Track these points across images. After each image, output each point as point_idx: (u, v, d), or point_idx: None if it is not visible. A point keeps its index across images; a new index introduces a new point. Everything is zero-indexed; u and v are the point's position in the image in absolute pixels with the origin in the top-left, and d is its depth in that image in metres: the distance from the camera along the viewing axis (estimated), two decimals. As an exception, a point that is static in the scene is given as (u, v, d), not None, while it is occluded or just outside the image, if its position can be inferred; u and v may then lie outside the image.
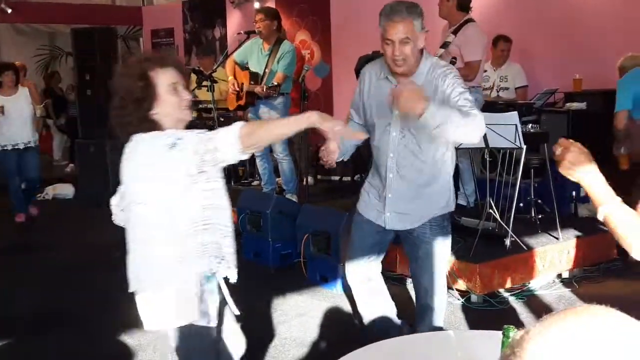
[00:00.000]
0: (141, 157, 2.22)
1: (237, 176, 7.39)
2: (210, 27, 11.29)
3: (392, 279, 4.79)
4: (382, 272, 4.83)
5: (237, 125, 2.14)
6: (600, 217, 1.83)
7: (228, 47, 10.30)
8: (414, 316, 3.39)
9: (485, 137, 4.56)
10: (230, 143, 2.11)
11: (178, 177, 2.14)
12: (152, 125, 2.23)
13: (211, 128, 6.95)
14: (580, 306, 0.86)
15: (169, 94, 2.25)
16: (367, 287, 3.35)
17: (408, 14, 2.81)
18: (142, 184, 2.22)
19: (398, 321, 3.44)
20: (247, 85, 6.11)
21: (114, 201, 2.55)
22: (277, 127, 2.30)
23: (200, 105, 7.32)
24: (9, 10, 11.47)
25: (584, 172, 1.80)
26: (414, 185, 3.07)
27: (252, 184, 7.24)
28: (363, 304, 3.40)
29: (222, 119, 6.63)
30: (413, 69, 2.93)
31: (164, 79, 2.24)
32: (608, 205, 1.80)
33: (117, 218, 2.54)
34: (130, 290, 2.29)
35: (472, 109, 2.82)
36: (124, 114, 2.23)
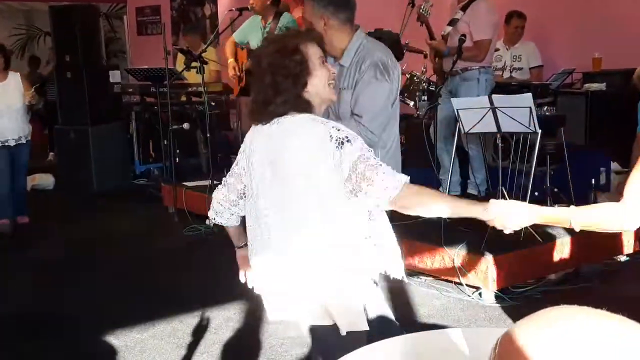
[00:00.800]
0: (305, 146, 2.21)
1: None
2: (200, 5, 11.25)
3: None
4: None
5: (405, 179, 2.14)
6: (577, 229, 2.02)
7: (219, 25, 10.28)
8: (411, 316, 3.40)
9: (497, 121, 4.58)
10: (384, 188, 2.11)
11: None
12: (307, 105, 2.25)
13: (202, 113, 6.95)
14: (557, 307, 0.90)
15: (321, 67, 2.28)
16: None
17: None
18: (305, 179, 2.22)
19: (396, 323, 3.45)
20: (247, 64, 6.09)
21: (220, 194, 2.47)
22: (446, 203, 2.24)
23: (190, 89, 7.32)
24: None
25: (525, 222, 2.15)
26: None
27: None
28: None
29: (213, 103, 6.63)
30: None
31: (314, 52, 2.28)
32: (571, 215, 2.01)
33: (225, 213, 2.48)
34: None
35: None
36: (277, 94, 2.22)
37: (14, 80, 6.40)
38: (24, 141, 6.49)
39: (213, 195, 2.50)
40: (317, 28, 2.94)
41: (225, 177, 2.48)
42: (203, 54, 6.35)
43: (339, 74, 2.85)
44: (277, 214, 2.29)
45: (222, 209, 2.48)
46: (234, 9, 6.29)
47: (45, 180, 8.49)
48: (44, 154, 10.41)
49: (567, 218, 2.02)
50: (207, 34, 10.63)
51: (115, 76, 8.61)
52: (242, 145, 2.39)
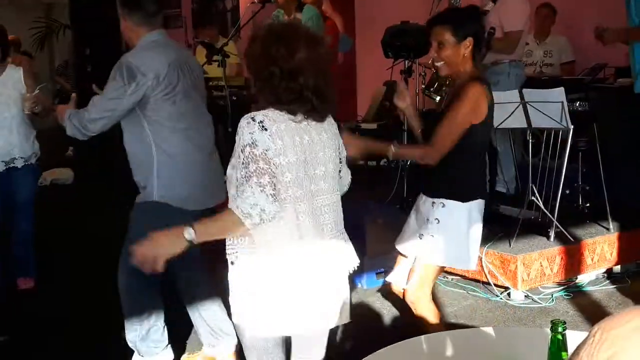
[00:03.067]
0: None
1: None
2: (221, -2, 11.28)
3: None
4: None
5: None
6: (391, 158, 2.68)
7: (241, 18, 10.29)
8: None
9: (527, 116, 4.53)
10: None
11: None
12: None
13: (223, 107, 6.92)
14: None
15: None
16: None
17: None
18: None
19: None
20: None
21: (259, 201, 2.14)
22: None
23: (210, 83, 7.31)
24: (1, -21, 11.52)
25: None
26: None
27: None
28: None
29: (234, 98, 6.63)
30: None
31: None
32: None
33: (270, 212, 2.16)
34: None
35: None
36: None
37: (14, 77, 4.61)
38: (20, 164, 4.63)
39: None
40: (121, 28, 3.35)
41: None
42: (225, 48, 6.35)
43: None
44: (333, 211, 2.37)
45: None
46: (256, 1, 6.29)
47: (64, 174, 8.56)
48: (63, 148, 10.49)
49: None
50: (227, 27, 10.66)
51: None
52: (272, 148, 2.18)
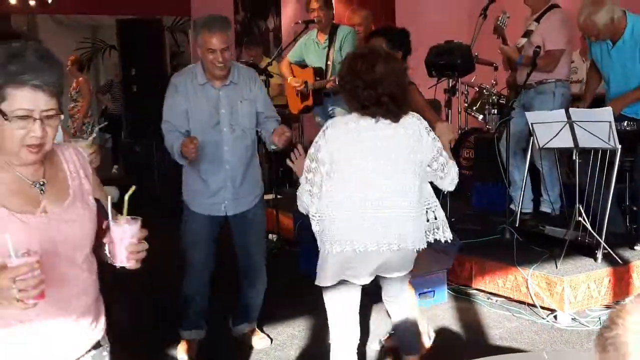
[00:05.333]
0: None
1: (291, 180, 7.44)
2: (263, 17, 11.42)
3: (465, 294, 4.77)
4: (455, 288, 4.82)
5: None
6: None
7: (283, 38, 10.40)
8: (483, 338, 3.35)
9: (574, 135, 4.49)
10: None
11: None
12: None
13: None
14: None
15: None
16: None
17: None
18: None
19: None
20: (312, 83, 6.11)
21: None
22: None
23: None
24: (50, 1, 11.83)
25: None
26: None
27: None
28: None
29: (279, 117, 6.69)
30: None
31: None
32: None
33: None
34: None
35: None
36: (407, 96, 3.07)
37: None
38: None
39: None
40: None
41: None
42: (268, 68, 6.42)
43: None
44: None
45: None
46: (300, 21, 6.35)
47: (110, 192, 8.68)
48: (109, 166, 10.70)
49: None
50: (270, 47, 10.79)
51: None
52: (323, 150, 2.97)
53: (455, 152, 3.62)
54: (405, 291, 3.37)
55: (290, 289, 4.93)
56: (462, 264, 4.82)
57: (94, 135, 2.82)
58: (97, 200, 2.08)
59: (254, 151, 3.93)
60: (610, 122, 4.31)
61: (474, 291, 4.78)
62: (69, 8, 12.34)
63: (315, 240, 3.06)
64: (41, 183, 1.89)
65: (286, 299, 4.71)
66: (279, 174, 7.03)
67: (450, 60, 5.39)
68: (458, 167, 3.19)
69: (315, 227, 3.03)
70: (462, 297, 4.76)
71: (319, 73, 6.07)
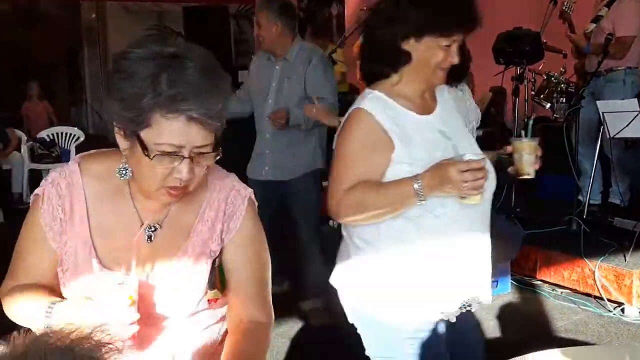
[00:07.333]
0: None
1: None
2: (327, 4, 11.42)
3: (529, 285, 4.72)
4: (519, 278, 4.77)
5: None
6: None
7: (346, 26, 10.39)
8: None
9: (646, 124, 4.39)
10: None
11: None
12: None
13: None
14: None
15: None
16: None
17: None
18: None
19: None
20: None
21: None
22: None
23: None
24: (118, -12, 12.10)
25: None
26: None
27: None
28: None
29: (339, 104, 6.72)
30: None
31: None
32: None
33: None
34: None
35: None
36: None
37: None
38: None
39: None
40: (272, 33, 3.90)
41: None
42: (333, 55, 6.43)
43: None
44: None
45: None
46: (365, 7, 6.34)
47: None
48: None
49: None
50: (333, 33, 10.78)
51: (244, 76, 8.88)
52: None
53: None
54: None
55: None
56: (526, 254, 4.76)
57: None
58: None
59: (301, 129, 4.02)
60: (686, 110, 4.19)
61: (538, 282, 4.73)
62: (137, -6, 12.63)
63: None
64: (153, 228, 1.49)
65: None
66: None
67: (519, 47, 5.31)
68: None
69: None
70: (526, 288, 4.71)
71: None
